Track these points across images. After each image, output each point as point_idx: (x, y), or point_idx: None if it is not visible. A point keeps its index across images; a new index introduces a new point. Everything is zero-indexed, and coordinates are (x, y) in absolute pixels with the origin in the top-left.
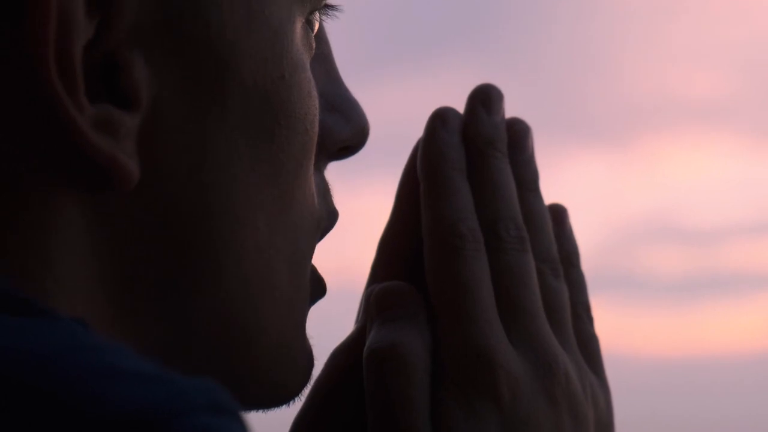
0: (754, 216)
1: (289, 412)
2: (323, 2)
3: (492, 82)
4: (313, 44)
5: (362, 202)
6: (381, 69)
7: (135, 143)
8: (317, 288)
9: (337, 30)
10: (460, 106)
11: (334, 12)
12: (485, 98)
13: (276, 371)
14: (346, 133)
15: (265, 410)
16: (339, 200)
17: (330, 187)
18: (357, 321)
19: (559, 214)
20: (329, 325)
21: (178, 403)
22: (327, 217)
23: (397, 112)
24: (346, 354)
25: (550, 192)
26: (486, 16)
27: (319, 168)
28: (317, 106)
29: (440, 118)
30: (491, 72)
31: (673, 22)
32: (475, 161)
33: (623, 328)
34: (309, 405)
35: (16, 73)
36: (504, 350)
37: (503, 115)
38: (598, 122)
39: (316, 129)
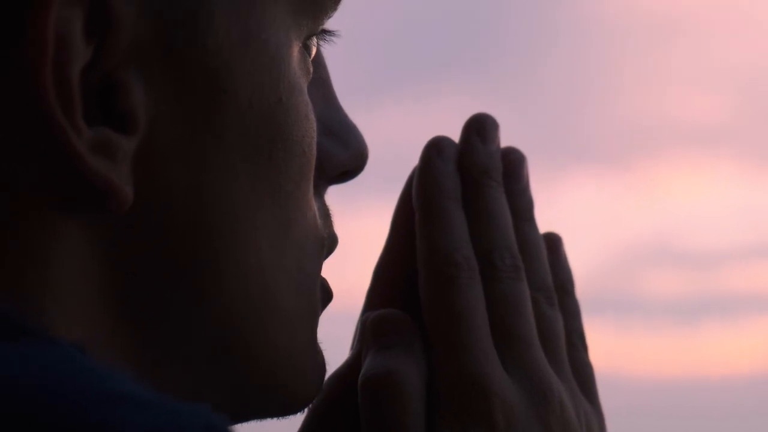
0: (754, 239)
1: None
2: (321, 27)
3: (491, 106)
4: (311, 68)
5: (360, 225)
6: (380, 93)
7: (131, 166)
8: (325, 297)
9: (336, 54)
10: (459, 131)
11: (332, 37)
12: (480, 127)
13: (286, 384)
14: (344, 157)
15: (276, 418)
16: (337, 223)
17: (330, 211)
18: (352, 348)
19: (554, 242)
20: (328, 349)
21: (175, 428)
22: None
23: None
24: (341, 381)
25: (550, 215)
26: (484, 42)
27: (319, 192)
28: (315, 128)
29: (435, 147)
30: (490, 97)
31: (672, 46)
32: (471, 190)
33: (623, 351)
34: (305, 431)
35: (15, 92)
36: (499, 378)
37: (498, 144)
38: (597, 146)
39: (314, 151)
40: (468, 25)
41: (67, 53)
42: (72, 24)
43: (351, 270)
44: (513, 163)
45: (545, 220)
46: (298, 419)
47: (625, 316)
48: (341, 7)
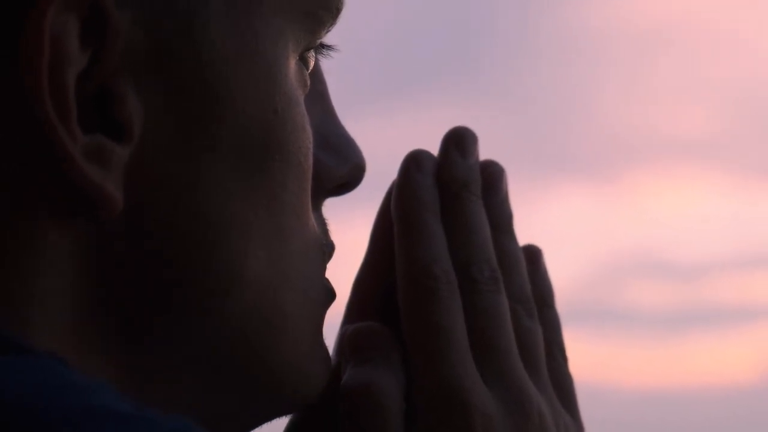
0: (740, 251)
1: None
2: (318, 41)
3: (477, 118)
4: (308, 81)
5: (349, 236)
6: (367, 105)
7: (123, 173)
8: (328, 297)
9: (326, 66)
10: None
11: (330, 51)
12: (459, 141)
13: (293, 386)
14: (342, 170)
15: (284, 416)
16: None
17: (327, 222)
18: (332, 360)
19: (533, 254)
20: None
21: None
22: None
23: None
24: (320, 394)
25: (536, 226)
26: (470, 53)
27: (317, 205)
28: (311, 140)
29: (414, 161)
30: (476, 108)
31: (658, 58)
32: (450, 203)
33: (609, 362)
34: None
35: (10, 97)
36: (478, 390)
37: (477, 157)
38: (584, 157)
39: (311, 162)
40: (454, 37)
41: (62, 59)
42: (68, 30)
43: (335, 280)
44: (492, 176)
45: (531, 232)
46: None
47: (610, 327)
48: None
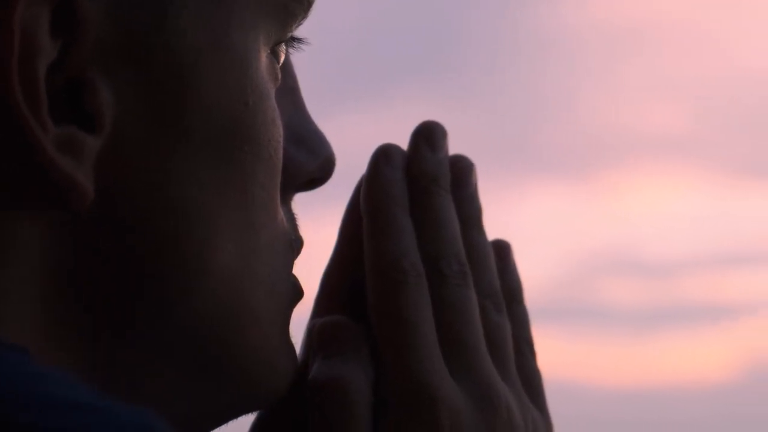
0: (714, 249)
1: None
2: (290, 34)
3: (452, 115)
4: (279, 75)
5: (322, 233)
6: (341, 101)
7: (95, 165)
8: (295, 294)
9: (298, 60)
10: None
11: (300, 45)
12: (429, 135)
13: (260, 382)
14: (312, 165)
15: (252, 413)
16: (302, 230)
17: (296, 217)
18: (300, 354)
19: (502, 249)
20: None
21: (110, 431)
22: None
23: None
24: (289, 388)
25: (511, 224)
26: (446, 52)
27: (286, 199)
28: (281, 133)
29: (383, 155)
30: (453, 106)
31: (632, 57)
32: (419, 198)
33: (584, 360)
34: None
35: None
36: (446, 385)
37: (447, 151)
38: (558, 156)
39: (281, 156)
40: (430, 35)
41: (33, 50)
42: (38, 22)
43: (306, 276)
44: (461, 171)
45: (506, 229)
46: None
47: (585, 325)
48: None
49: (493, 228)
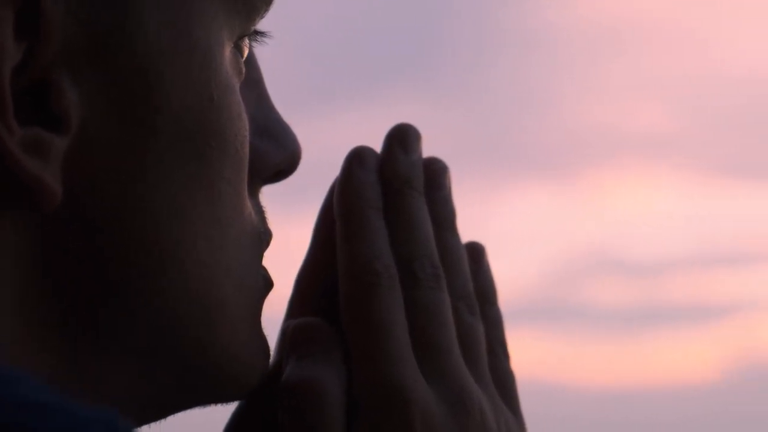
0: (697, 249)
1: None
2: (253, 28)
3: (436, 116)
4: (243, 69)
5: (306, 232)
6: (325, 101)
7: (62, 165)
8: (266, 286)
9: (285, 62)
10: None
11: (264, 38)
12: (402, 137)
13: (231, 374)
14: (278, 157)
15: (225, 404)
16: (284, 230)
17: (264, 209)
18: (273, 355)
19: (476, 252)
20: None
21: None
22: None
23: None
24: (262, 389)
25: (495, 224)
26: (429, 52)
27: (253, 192)
28: (247, 127)
29: (357, 157)
30: (436, 105)
31: (616, 56)
32: (392, 200)
33: (568, 360)
34: None
35: None
36: (418, 387)
37: (420, 153)
38: (542, 155)
39: (247, 150)
40: (414, 35)
41: None
42: (1, 24)
43: (289, 278)
44: (435, 173)
45: (490, 230)
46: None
47: (569, 325)
48: (292, 17)
49: (478, 228)
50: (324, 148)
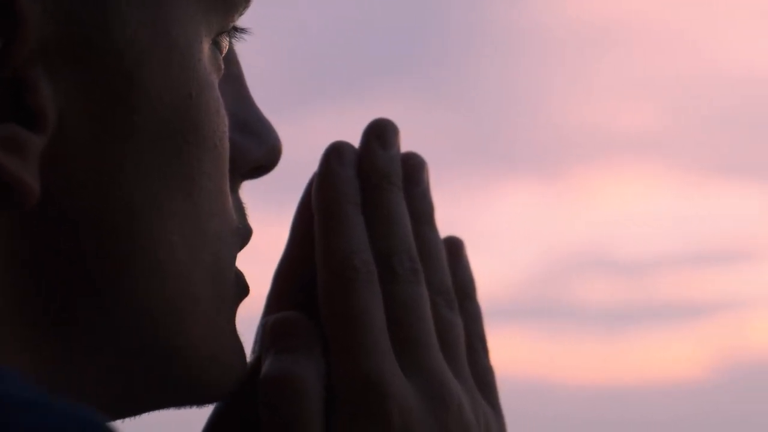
0: (684, 248)
1: None
2: (231, 24)
3: (425, 114)
4: (222, 65)
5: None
6: (313, 99)
7: (40, 162)
8: (241, 289)
9: (272, 60)
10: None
11: (243, 35)
12: (380, 132)
13: (206, 375)
14: (258, 153)
15: (199, 407)
16: (274, 229)
17: (244, 205)
18: (253, 351)
19: (455, 246)
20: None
21: (54, 429)
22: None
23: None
24: (242, 384)
25: (483, 222)
26: (417, 50)
27: (233, 187)
28: (226, 123)
29: (335, 152)
30: (424, 104)
31: (604, 55)
32: (370, 195)
33: (557, 358)
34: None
35: None
36: (397, 381)
37: (398, 149)
38: (530, 154)
39: (226, 146)
40: (402, 35)
41: None
42: None
43: (255, 275)
44: (413, 168)
45: (479, 229)
46: (201, 419)
47: (557, 323)
48: (278, 14)
49: (467, 226)
50: (314, 147)
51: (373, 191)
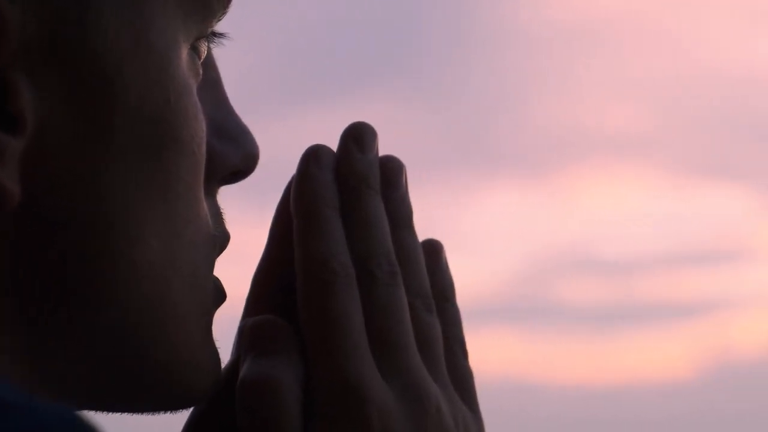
0: (670, 248)
1: None
2: (209, 30)
3: (410, 115)
4: (200, 70)
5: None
6: (297, 101)
7: (19, 166)
8: (218, 296)
9: (257, 62)
10: (382, 139)
11: (221, 39)
12: (358, 136)
13: (181, 380)
14: (236, 158)
15: (174, 412)
16: (254, 231)
17: (222, 210)
18: (231, 354)
19: (434, 249)
20: (226, 353)
21: (37, 430)
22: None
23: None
24: (220, 388)
25: (469, 223)
26: (403, 51)
27: (211, 192)
28: (204, 129)
29: (313, 156)
30: (410, 105)
31: (591, 56)
32: (348, 198)
33: (542, 359)
34: None
35: None
36: (375, 385)
37: (377, 152)
38: (516, 154)
39: (204, 151)
40: (387, 34)
41: None
42: None
43: (234, 278)
44: (391, 171)
45: (464, 229)
46: (179, 422)
47: (543, 323)
48: (262, 16)
49: (452, 227)
50: (297, 148)
51: (351, 195)
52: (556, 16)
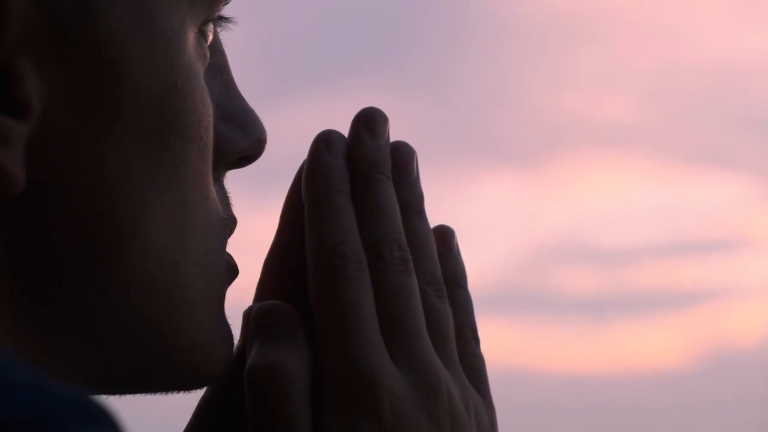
0: (664, 237)
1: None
2: (216, 13)
3: (406, 104)
4: (207, 54)
5: (270, 221)
6: (294, 90)
7: (24, 151)
8: (231, 272)
9: (255, 51)
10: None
11: (228, 23)
12: (369, 121)
13: (194, 361)
14: (243, 142)
15: (188, 392)
16: (256, 219)
17: (229, 195)
18: (239, 339)
19: (445, 236)
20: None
21: (47, 411)
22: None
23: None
24: (228, 372)
25: (465, 212)
26: (399, 40)
27: (218, 177)
28: (211, 113)
29: (324, 141)
30: (405, 95)
31: (585, 46)
32: (359, 184)
33: (536, 347)
34: (194, 423)
35: None
36: (386, 370)
37: (388, 138)
38: (511, 144)
39: (211, 136)
40: (382, 23)
41: None
42: None
43: (256, 266)
44: (402, 157)
45: (459, 218)
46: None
47: (538, 313)
48: (259, 5)
49: (447, 216)
50: (292, 137)
51: (362, 180)
52: (549, 7)
